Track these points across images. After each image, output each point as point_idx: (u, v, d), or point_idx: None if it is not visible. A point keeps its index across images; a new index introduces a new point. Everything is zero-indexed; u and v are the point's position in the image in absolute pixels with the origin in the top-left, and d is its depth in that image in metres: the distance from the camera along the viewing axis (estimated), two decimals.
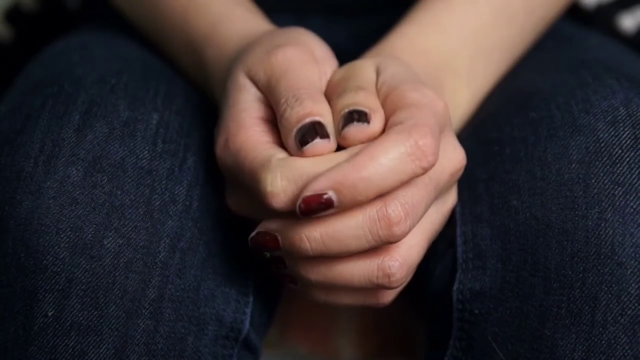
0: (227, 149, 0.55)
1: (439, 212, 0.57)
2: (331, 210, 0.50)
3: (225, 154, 0.56)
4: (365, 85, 0.55)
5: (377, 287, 0.54)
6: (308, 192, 0.50)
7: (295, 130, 0.53)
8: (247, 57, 0.58)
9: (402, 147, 0.50)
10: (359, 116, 0.52)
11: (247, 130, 0.55)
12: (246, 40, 0.61)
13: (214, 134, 0.58)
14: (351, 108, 0.53)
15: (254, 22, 0.64)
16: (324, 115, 0.53)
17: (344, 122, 0.53)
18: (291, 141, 0.53)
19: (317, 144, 0.52)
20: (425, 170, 0.51)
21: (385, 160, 0.50)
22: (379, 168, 0.50)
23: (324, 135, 0.52)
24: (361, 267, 0.53)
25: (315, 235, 0.51)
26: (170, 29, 0.66)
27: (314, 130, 0.52)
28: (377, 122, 0.53)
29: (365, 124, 0.52)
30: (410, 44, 0.62)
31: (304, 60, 0.56)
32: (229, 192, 0.59)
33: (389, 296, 0.56)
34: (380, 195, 0.51)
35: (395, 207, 0.51)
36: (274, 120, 0.56)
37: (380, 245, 0.52)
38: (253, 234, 0.54)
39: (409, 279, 0.56)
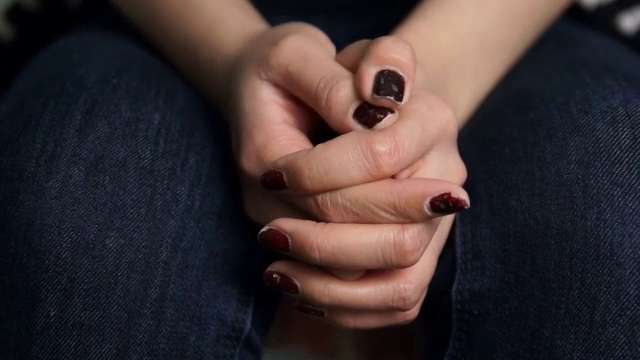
0: (260, 162, 0.55)
1: (443, 229, 0.57)
2: (284, 190, 0.52)
3: (255, 167, 0.56)
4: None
5: (391, 310, 0.54)
6: (269, 167, 0.53)
7: (352, 110, 0.52)
8: (253, 56, 0.58)
9: (357, 143, 0.51)
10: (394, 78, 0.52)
11: (278, 141, 0.55)
12: (241, 41, 0.61)
13: (234, 142, 0.58)
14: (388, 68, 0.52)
15: (249, 23, 0.63)
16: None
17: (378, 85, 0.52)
18: (349, 122, 0.52)
19: (389, 118, 0.52)
20: (374, 177, 0.51)
21: (333, 152, 0.51)
22: (324, 161, 0.51)
23: (391, 110, 0.52)
24: (377, 291, 0.53)
25: (326, 245, 0.51)
26: (167, 29, 0.66)
27: (378, 106, 0.52)
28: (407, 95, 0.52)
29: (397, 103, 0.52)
30: (421, 40, 0.62)
31: (315, 44, 0.56)
32: (251, 200, 0.58)
33: (413, 313, 0.56)
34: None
35: (412, 234, 0.51)
36: (292, 120, 0.56)
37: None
38: (264, 229, 0.53)
39: (422, 299, 0.56)
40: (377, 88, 0.51)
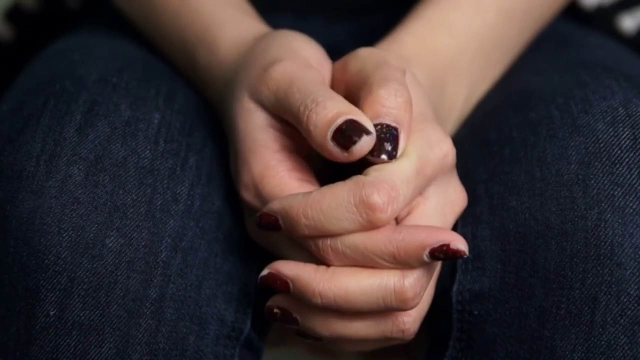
0: (258, 194, 0.56)
1: None
2: (279, 233, 0.53)
3: (253, 198, 0.56)
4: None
5: (390, 341, 0.55)
6: (265, 209, 0.53)
7: (330, 133, 0.52)
8: (245, 77, 0.58)
9: (350, 197, 0.51)
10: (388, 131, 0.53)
11: (276, 172, 0.55)
12: (239, 45, 0.61)
13: (232, 163, 0.58)
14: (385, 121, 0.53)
15: (245, 25, 0.63)
16: (353, 111, 0.52)
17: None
18: (329, 145, 0.52)
19: (365, 142, 0.51)
20: (369, 229, 0.51)
21: (328, 203, 0.51)
22: (319, 212, 0.51)
23: (367, 131, 0.51)
24: (376, 324, 0.54)
25: (328, 292, 0.51)
26: (165, 30, 0.66)
27: (356, 128, 0.52)
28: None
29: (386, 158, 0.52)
30: (419, 42, 0.62)
31: (304, 68, 0.56)
32: (253, 224, 0.58)
33: (411, 335, 0.56)
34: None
35: (412, 281, 0.52)
36: (290, 144, 0.57)
37: None
38: (265, 272, 0.54)
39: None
40: (371, 149, 0.52)
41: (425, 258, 0.51)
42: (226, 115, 0.60)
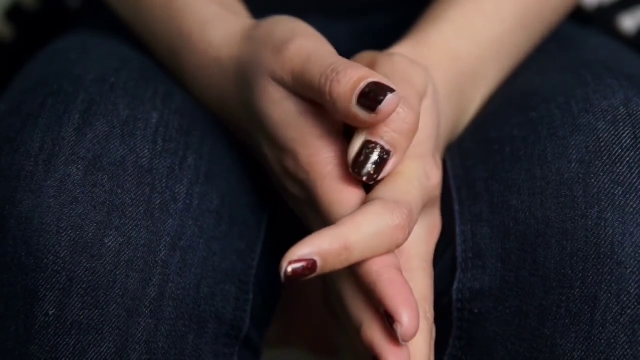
0: (307, 181, 0.55)
1: None
2: (312, 275, 0.50)
3: (297, 187, 0.57)
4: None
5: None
6: (294, 257, 0.49)
7: (355, 98, 0.51)
8: (260, 63, 0.57)
9: (386, 220, 0.51)
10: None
11: (322, 158, 0.55)
12: (230, 41, 0.61)
13: (274, 161, 0.58)
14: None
15: (231, 20, 0.63)
16: (375, 75, 0.52)
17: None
18: (355, 111, 0.51)
19: (390, 99, 0.51)
20: (398, 246, 0.52)
21: (367, 230, 0.50)
22: (361, 238, 0.50)
23: (392, 89, 0.51)
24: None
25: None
26: (152, 31, 0.66)
27: (380, 88, 0.51)
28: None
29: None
30: (445, 45, 0.62)
31: (317, 42, 0.56)
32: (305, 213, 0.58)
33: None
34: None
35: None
36: (328, 128, 0.56)
37: None
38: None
39: None
40: (354, 163, 0.52)
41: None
42: (248, 110, 0.59)
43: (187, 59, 0.64)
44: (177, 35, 0.64)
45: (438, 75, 0.60)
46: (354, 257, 0.50)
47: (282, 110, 0.56)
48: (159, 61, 0.68)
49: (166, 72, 0.67)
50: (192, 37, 0.63)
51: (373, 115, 0.51)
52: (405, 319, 0.49)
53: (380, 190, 0.53)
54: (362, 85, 0.51)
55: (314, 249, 0.50)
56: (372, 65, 0.57)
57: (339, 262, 0.50)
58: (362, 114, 0.51)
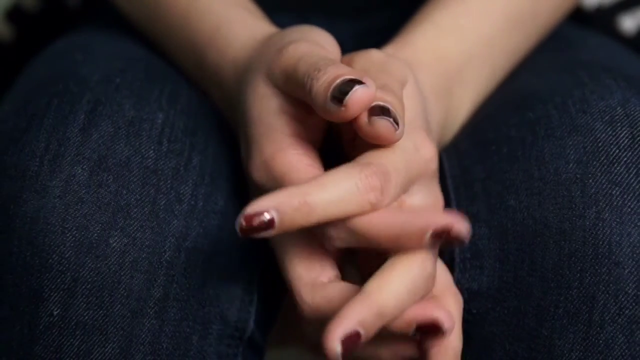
0: (269, 172, 0.54)
1: None
2: (271, 231, 0.49)
3: (263, 176, 0.54)
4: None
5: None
6: (250, 210, 0.48)
7: (329, 95, 0.51)
8: (260, 64, 0.57)
9: (353, 179, 0.50)
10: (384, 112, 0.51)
11: (286, 153, 0.54)
12: (250, 46, 0.61)
13: (243, 149, 0.58)
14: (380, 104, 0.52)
15: (255, 25, 0.63)
16: (354, 73, 0.51)
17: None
18: (328, 106, 0.51)
19: (358, 89, 0.50)
20: (375, 207, 0.50)
21: (332, 188, 0.50)
22: (324, 196, 0.49)
23: (360, 82, 0.50)
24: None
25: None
26: (171, 30, 0.66)
27: (349, 82, 0.50)
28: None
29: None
30: (429, 46, 0.62)
31: (315, 47, 0.56)
32: None
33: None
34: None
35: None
36: (302, 132, 0.55)
37: None
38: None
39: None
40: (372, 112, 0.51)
41: (427, 240, 0.49)
42: (239, 107, 0.59)
43: (208, 59, 0.63)
44: (200, 34, 0.64)
45: (424, 75, 0.60)
46: (316, 214, 0.49)
47: (262, 107, 0.56)
48: (173, 59, 0.67)
49: (173, 71, 0.67)
50: (217, 34, 0.63)
51: (342, 109, 0.50)
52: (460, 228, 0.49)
53: (356, 158, 0.52)
54: (338, 81, 0.50)
55: (270, 203, 0.49)
56: (349, 63, 0.57)
57: (299, 217, 0.49)
58: (333, 109, 0.51)
